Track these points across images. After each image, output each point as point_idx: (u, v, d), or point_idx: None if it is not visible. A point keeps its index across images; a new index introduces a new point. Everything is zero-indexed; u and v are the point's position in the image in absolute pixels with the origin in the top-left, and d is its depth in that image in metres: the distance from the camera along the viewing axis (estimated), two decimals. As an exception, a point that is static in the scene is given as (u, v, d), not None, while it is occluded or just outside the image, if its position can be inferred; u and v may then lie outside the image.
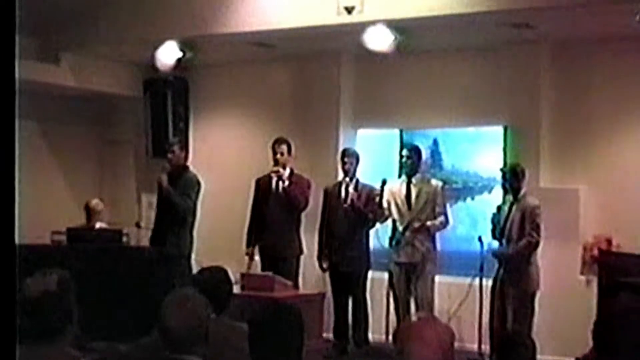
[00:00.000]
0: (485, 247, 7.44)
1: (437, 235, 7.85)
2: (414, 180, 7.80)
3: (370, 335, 8.15)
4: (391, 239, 7.80)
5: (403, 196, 7.78)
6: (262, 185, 8.19)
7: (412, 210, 7.71)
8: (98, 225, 9.20)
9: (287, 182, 8.01)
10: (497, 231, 7.39)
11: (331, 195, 8.15)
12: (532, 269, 7.29)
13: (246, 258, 8.18)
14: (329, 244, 8.09)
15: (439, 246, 7.88)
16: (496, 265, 7.44)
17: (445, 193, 7.91)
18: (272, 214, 8.06)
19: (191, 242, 8.05)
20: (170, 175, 8.01)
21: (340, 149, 8.66)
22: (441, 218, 7.74)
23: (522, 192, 7.37)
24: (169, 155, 8.08)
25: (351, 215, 7.97)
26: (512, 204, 7.36)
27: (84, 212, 9.32)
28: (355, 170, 8.11)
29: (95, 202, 9.44)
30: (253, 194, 8.31)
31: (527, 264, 7.26)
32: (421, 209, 7.70)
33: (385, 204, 7.77)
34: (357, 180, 8.10)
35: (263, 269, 7.95)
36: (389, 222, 7.95)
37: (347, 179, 8.10)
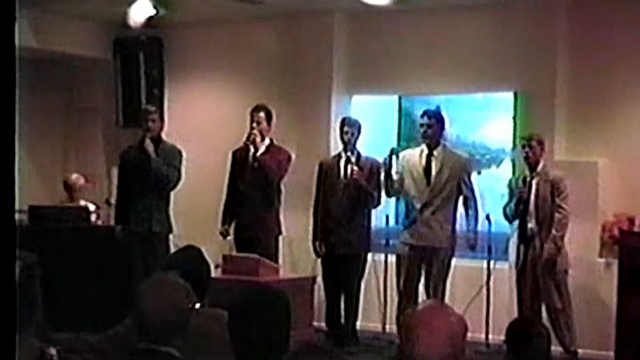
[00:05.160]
0: (494, 227, 7.43)
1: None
2: (435, 152, 7.57)
3: (365, 325, 8.14)
4: (405, 217, 7.62)
5: (422, 170, 7.53)
6: (239, 158, 8.10)
7: (432, 187, 7.47)
8: (82, 203, 9.12)
9: (260, 152, 7.87)
10: (524, 210, 7.42)
11: (328, 171, 7.98)
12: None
13: (221, 238, 8.13)
14: (326, 225, 7.93)
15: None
16: (506, 247, 7.46)
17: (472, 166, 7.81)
18: (247, 188, 7.98)
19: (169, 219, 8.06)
20: None
21: (333, 117, 8.62)
22: (471, 205, 7.51)
23: (541, 164, 7.46)
24: (150, 125, 7.99)
25: (352, 192, 7.81)
26: (531, 179, 7.40)
27: (63, 190, 9.19)
28: (356, 142, 7.94)
29: (74, 177, 9.27)
30: (229, 167, 8.23)
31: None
32: (442, 187, 7.47)
33: (395, 176, 7.51)
34: (359, 154, 7.93)
35: (238, 251, 7.89)
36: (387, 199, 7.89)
37: (348, 152, 7.87)
